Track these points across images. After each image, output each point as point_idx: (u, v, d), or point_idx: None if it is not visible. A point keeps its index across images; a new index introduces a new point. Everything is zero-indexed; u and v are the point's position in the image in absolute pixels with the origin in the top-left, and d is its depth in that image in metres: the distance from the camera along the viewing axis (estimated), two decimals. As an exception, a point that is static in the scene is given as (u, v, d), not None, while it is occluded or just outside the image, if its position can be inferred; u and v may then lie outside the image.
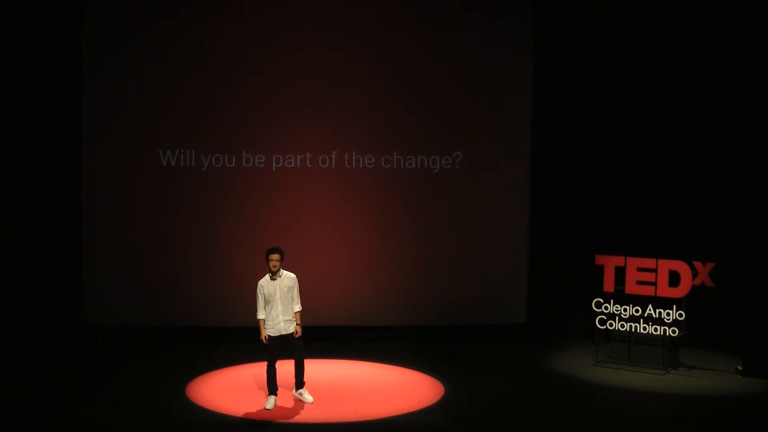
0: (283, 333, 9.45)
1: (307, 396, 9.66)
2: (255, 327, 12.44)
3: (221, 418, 9.08)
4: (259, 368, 11.04)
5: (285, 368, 9.70)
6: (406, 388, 10.43)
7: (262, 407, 9.39)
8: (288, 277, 9.51)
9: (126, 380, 10.55)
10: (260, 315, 9.46)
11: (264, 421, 9.02)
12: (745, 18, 12.61)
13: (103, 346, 12.33)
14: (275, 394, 9.50)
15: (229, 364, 11.25)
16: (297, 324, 9.51)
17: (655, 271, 11.14)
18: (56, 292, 12.55)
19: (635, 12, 13.04)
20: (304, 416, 9.17)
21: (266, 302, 9.44)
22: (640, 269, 11.24)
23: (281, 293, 9.40)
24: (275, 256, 9.40)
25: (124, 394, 9.95)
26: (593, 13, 13.12)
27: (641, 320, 11.31)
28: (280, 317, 9.41)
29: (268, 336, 9.46)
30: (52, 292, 12.54)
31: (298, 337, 9.51)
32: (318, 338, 11.58)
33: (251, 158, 12.71)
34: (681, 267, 11.06)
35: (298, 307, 9.53)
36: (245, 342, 12.39)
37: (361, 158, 12.84)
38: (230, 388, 10.22)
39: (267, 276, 9.47)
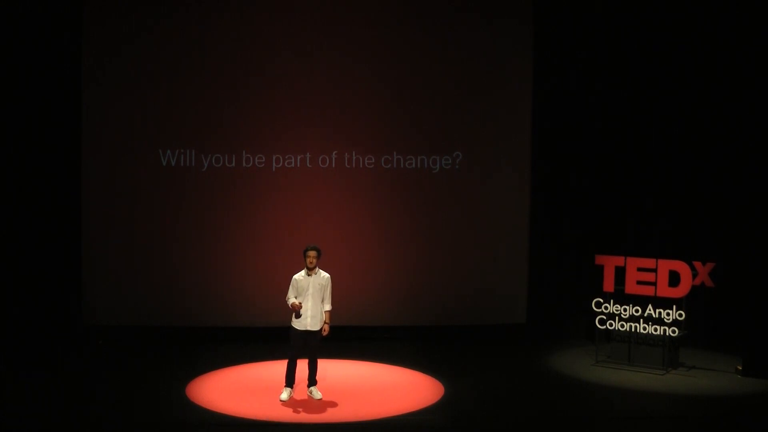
0: (308, 329, 9.60)
1: (316, 393, 9.79)
2: (255, 327, 12.60)
3: (221, 418, 9.08)
4: (260, 368, 11.10)
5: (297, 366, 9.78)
6: (406, 388, 10.42)
7: (262, 407, 9.38)
8: (323, 276, 9.68)
9: (126, 380, 10.54)
10: (290, 300, 9.59)
11: (264, 421, 9.01)
12: (745, 18, 12.61)
13: (103, 346, 12.32)
14: (291, 387, 9.67)
15: (229, 364, 11.24)
16: (326, 323, 9.70)
17: (655, 271, 11.14)
18: (56, 292, 12.55)
19: (635, 12, 13.04)
20: (304, 416, 9.17)
21: (297, 296, 9.60)
22: (640, 269, 11.24)
23: (313, 289, 9.58)
24: (312, 253, 9.60)
25: (124, 394, 9.94)
26: (593, 13, 13.12)
27: (641, 320, 11.30)
28: (309, 312, 9.57)
29: (294, 332, 9.62)
30: (52, 292, 12.53)
31: (326, 335, 9.70)
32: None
33: (251, 158, 12.71)
34: (681, 267, 11.06)
35: (328, 306, 9.71)
36: (245, 342, 12.43)
37: (361, 158, 12.84)
38: (230, 388, 10.21)
39: (303, 271, 9.64)
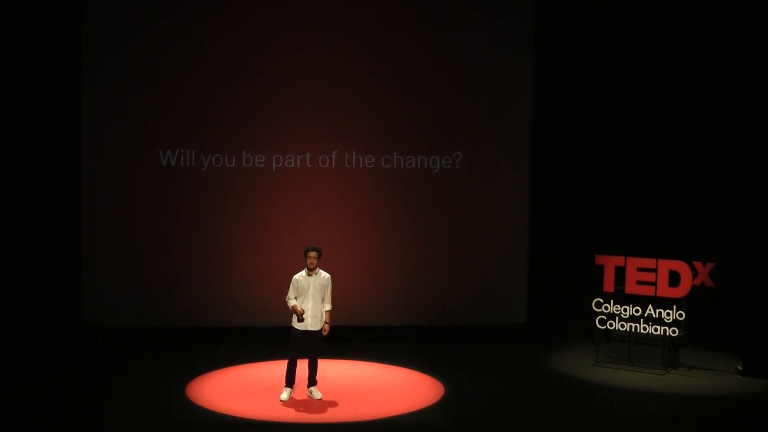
0: (309, 329, 9.61)
1: (316, 393, 9.79)
2: (255, 327, 12.59)
3: (221, 418, 9.08)
4: (260, 368, 11.10)
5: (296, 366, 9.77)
6: (406, 388, 10.42)
7: (262, 407, 9.39)
8: (323, 276, 9.70)
9: (126, 380, 10.54)
10: (290, 302, 9.61)
11: (264, 421, 9.02)
12: (745, 18, 12.61)
13: (103, 346, 12.32)
14: (291, 387, 9.68)
15: (229, 364, 11.24)
16: (326, 323, 9.71)
17: (655, 271, 11.14)
18: (56, 292, 12.55)
19: (635, 12, 13.04)
20: (304, 416, 9.17)
21: (297, 296, 9.61)
22: (640, 269, 11.24)
23: (314, 289, 9.59)
24: (313, 254, 9.62)
25: (124, 394, 9.95)
26: (593, 13, 13.13)
27: (641, 320, 11.30)
28: (309, 313, 9.59)
29: (294, 332, 9.63)
30: (52, 292, 12.53)
31: (326, 334, 9.71)
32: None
33: (251, 158, 12.71)
34: (681, 267, 11.06)
35: (328, 306, 9.73)
36: (245, 342, 12.43)
37: (361, 158, 12.84)
38: (230, 388, 10.21)
39: (303, 271, 9.66)
